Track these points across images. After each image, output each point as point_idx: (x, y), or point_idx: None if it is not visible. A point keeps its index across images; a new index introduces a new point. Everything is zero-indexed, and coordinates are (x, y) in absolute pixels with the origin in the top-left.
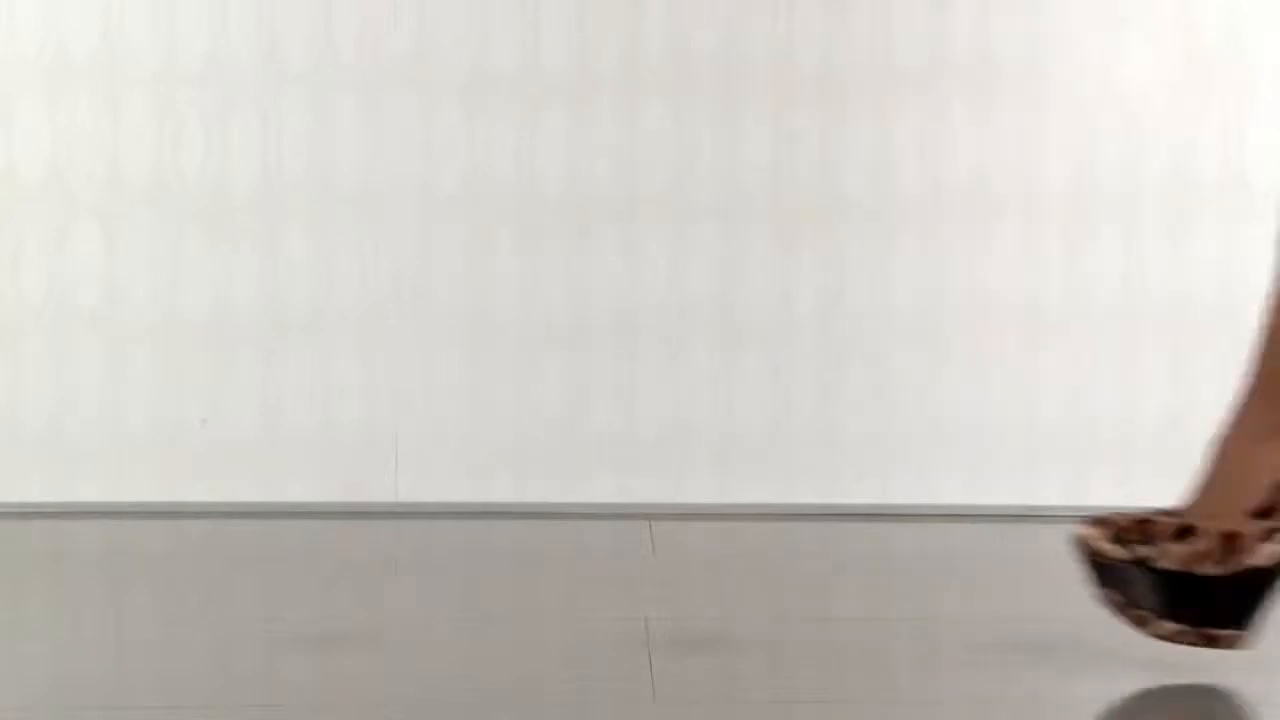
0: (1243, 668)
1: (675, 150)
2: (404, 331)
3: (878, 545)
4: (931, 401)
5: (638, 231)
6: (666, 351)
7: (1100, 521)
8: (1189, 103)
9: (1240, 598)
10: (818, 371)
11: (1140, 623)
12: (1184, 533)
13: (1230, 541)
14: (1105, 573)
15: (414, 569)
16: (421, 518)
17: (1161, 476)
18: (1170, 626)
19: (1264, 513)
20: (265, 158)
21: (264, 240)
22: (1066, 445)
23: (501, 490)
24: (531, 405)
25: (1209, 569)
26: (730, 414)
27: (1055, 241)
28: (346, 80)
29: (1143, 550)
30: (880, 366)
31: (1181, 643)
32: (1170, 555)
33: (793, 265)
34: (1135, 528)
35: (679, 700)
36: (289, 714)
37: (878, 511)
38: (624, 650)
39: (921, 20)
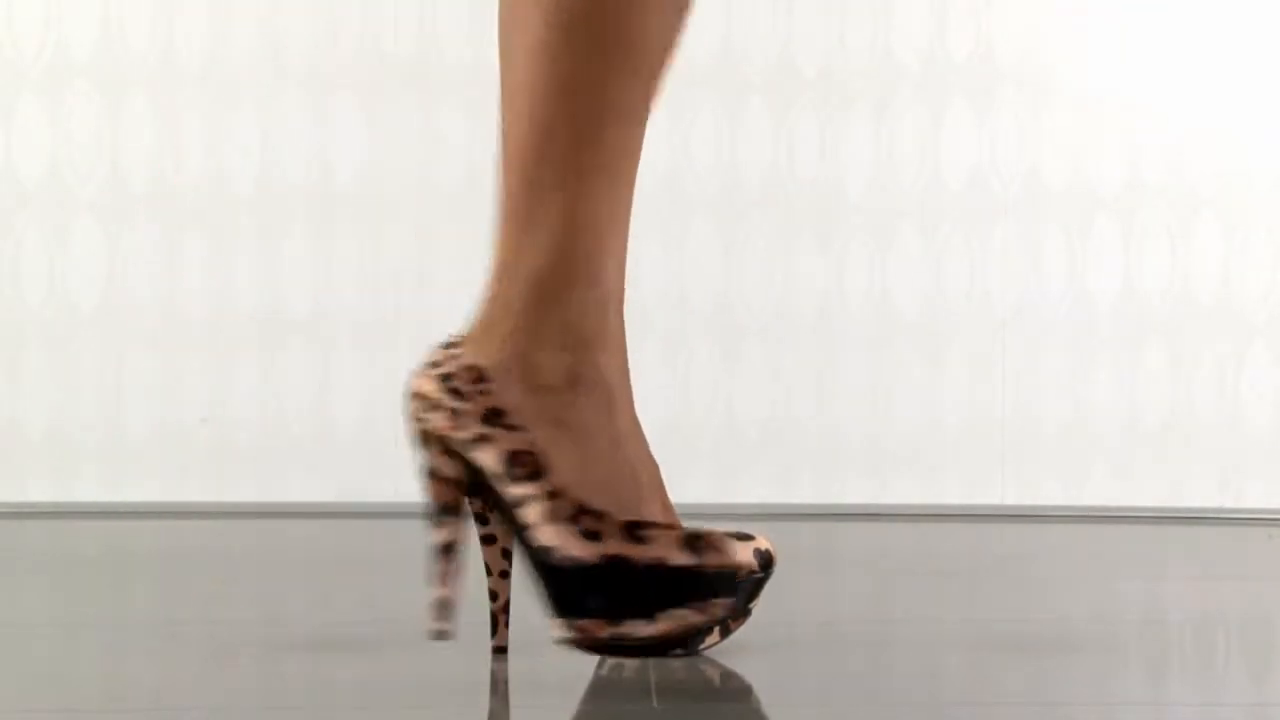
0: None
1: (675, 150)
2: (404, 331)
3: (877, 545)
4: (931, 401)
5: (637, 231)
6: (666, 351)
7: None
8: (1188, 102)
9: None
10: (818, 371)
11: None
12: None
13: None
14: None
15: (414, 569)
16: (421, 518)
17: (1161, 476)
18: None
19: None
20: (265, 158)
21: (264, 240)
22: (1066, 445)
23: None
24: None
25: None
26: (730, 414)
27: (1056, 241)
28: (346, 80)
29: None
30: (880, 366)
31: None
32: None
33: (792, 265)
34: None
35: (680, 701)
36: (287, 715)
37: (877, 511)
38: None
39: (921, 20)
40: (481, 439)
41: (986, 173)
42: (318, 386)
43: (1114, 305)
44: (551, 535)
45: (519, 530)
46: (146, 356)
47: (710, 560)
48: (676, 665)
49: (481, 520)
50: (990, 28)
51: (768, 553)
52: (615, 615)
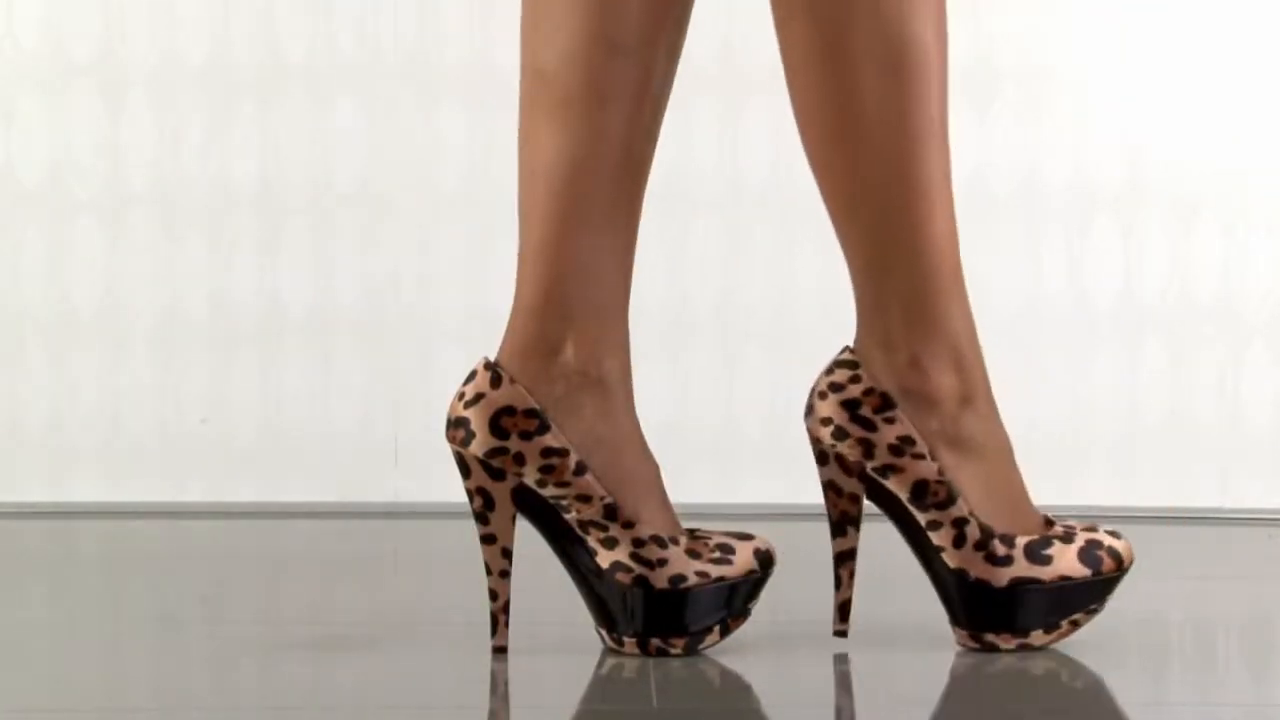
0: None
1: (675, 149)
2: (404, 331)
3: (876, 545)
4: None
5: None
6: (666, 351)
7: None
8: (1188, 102)
9: None
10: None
11: None
12: None
13: None
14: None
15: (414, 569)
16: (421, 518)
17: (1161, 476)
18: None
19: None
20: (265, 158)
21: (264, 240)
22: (1066, 445)
23: None
24: None
25: None
26: (730, 414)
27: (1056, 241)
28: (346, 80)
29: None
30: None
31: None
32: None
33: (793, 264)
34: None
35: (680, 701)
36: (288, 715)
37: (876, 511)
38: (621, 655)
39: None
40: (891, 469)
41: (986, 173)
42: (318, 386)
43: (1114, 305)
44: (961, 560)
45: (930, 549)
46: (146, 356)
47: (1105, 567)
48: (676, 665)
49: (481, 520)
50: (990, 28)
51: (768, 553)
52: (1023, 629)
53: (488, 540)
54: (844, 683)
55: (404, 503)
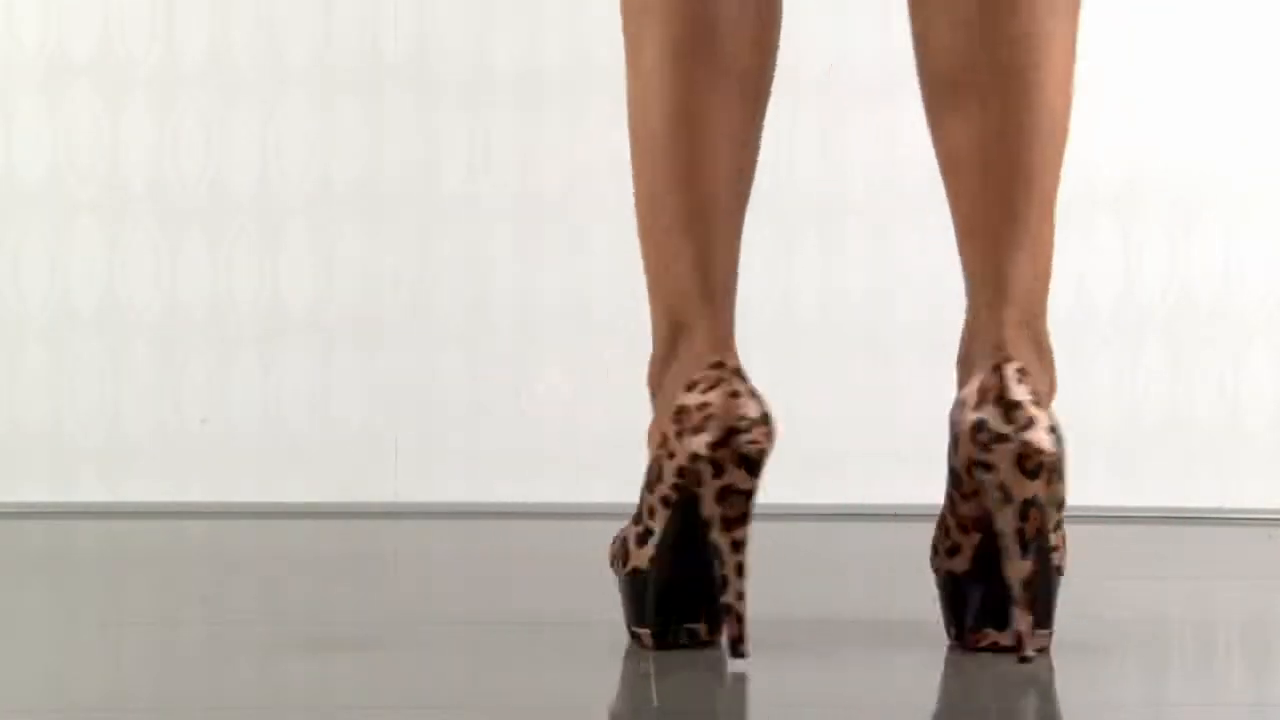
0: None
1: None
2: (404, 331)
3: (877, 545)
4: (933, 401)
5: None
6: None
7: None
8: (1189, 102)
9: None
10: (818, 371)
11: None
12: None
13: None
14: None
15: (414, 569)
16: (421, 518)
17: (1161, 476)
18: None
19: None
20: (265, 158)
21: (264, 240)
22: (1066, 445)
23: (501, 490)
24: (531, 405)
25: None
26: None
27: (1056, 241)
28: (346, 80)
29: None
30: (882, 366)
31: None
32: None
33: (793, 265)
34: None
35: (680, 700)
36: (288, 715)
37: (877, 511)
38: (622, 655)
39: None
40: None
41: None
42: (318, 386)
43: (1114, 305)
44: (1061, 557)
45: (1051, 551)
46: (146, 356)
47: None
48: (677, 664)
49: (740, 521)
50: None
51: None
52: (1049, 622)
53: (742, 545)
54: (844, 683)
55: (404, 503)
